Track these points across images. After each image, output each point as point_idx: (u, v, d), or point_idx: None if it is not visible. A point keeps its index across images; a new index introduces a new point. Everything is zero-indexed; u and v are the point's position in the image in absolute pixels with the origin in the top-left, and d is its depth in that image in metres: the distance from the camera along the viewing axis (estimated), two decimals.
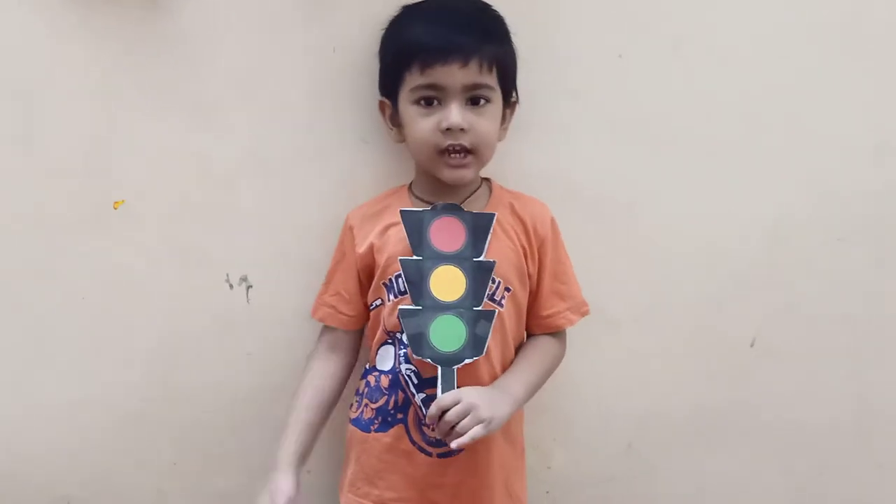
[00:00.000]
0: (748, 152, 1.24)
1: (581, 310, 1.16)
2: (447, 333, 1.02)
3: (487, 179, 1.15)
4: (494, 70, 1.05)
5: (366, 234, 1.11)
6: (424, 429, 1.08)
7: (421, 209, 1.07)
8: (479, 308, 1.04)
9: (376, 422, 1.10)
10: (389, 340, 1.10)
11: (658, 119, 1.22)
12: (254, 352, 1.22)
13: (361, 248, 1.10)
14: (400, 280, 1.06)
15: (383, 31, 1.10)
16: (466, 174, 1.07)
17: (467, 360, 1.03)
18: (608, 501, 1.31)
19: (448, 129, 1.03)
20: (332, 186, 1.18)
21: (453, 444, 0.97)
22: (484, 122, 1.05)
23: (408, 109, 1.06)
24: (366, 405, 1.12)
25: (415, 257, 1.04)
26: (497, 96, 1.07)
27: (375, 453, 1.10)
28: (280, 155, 1.17)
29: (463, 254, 1.05)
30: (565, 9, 1.17)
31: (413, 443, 1.08)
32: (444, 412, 0.97)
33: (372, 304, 1.12)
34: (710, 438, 1.31)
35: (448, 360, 1.02)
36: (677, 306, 1.27)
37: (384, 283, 1.08)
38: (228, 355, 1.22)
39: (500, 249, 1.08)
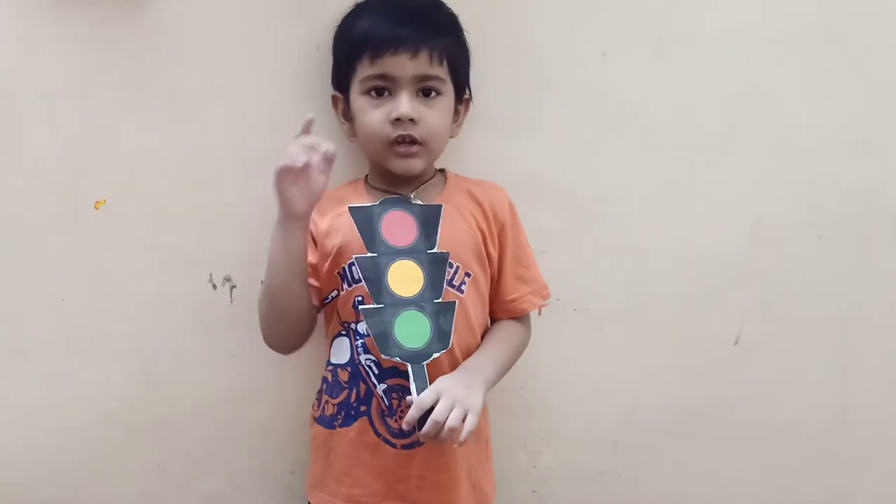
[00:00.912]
0: (730, 151, 1.25)
1: (543, 293, 1.16)
2: (412, 329, 1.01)
3: (442, 170, 1.15)
4: (445, 63, 1.06)
5: (319, 219, 1.09)
6: (388, 420, 1.07)
7: (369, 205, 1.05)
8: (440, 300, 1.03)
9: (339, 417, 1.09)
10: (343, 332, 1.09)
11: (641, 118, 1.23)
12: (237, 353, 1.21)
13: (317, 230, 1.09)
14: (354, 268, 1.05)
15: (336, 27, 1.10)
16: (415, 164, 1.06)
17: (435, 355, 1.02)
18: (594, 499, 1.32)
19: (397, 120, 1.03)
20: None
21: (459, 439, 0.95)
22: (435, 114, 1.05)
23: (358, 100, 1.06)
24: (326, 401, 1.11)
25: (370, 254, 1.02)
26: (448, 89, 1.07)
27: (341, 449, 1.09)
28: (262, 154, 1.14)
29: (416, 247, 1.04)
30: (550, 8, 1.17)
31: (378, 434, 1.07)
32: (425, 412, 0.96)
33: (327, 297, 1.10)
34: (695, 436, 1.32)
35: (417, 357, 1.01)
36: (661, 305, 1.28)
37: (338, 273, 1.07)
38: (212, 356, 1.21)
39: (457, 234, 1.07)
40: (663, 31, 1.20)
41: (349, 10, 1.10)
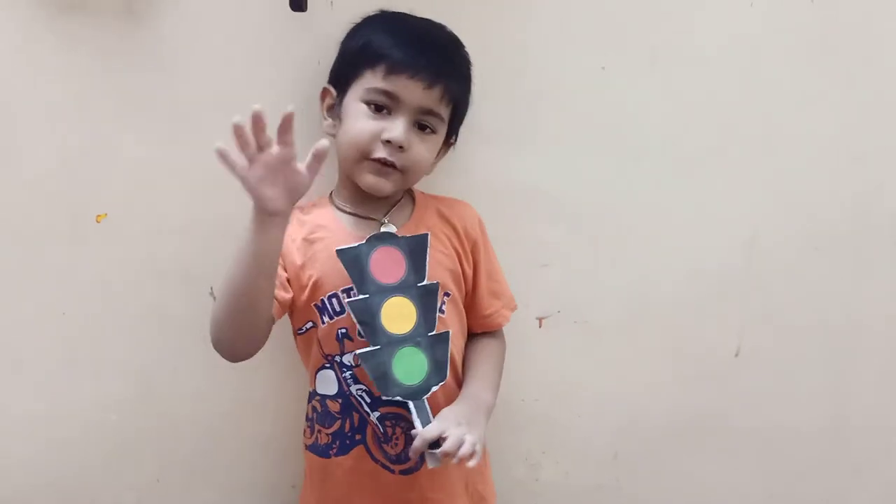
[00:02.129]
0: (728, 163, 1.26)
1: (511, 305, 1.16)
2: (409, 366, 1.00)
3: (409, 189, 1.14)
4: (451, 107, 1.06)
5: (289, 242, 1.02)
6: (385, 446, 1.06)
7: (356, 244, 1.01)
8: (434, 333, 1.03)
9: (334, 446, 1.07)
10: (328, 365, 1.06)
11: (640, 130, 1.23)
12: (237, 366, 1.19)
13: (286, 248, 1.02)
14: (334, 300, 1.03)
15: (356, 23, 1.09)
16: (384, 186, 1.04)
17: (434, 388, 1.02)
18: None
19: (388, 142, 1.01)
20: (315, 197, 1.17)
21: (470, 464, 0.94)
22: (423, 148, 1.04)
23: (355, 105, 1.03)
24: (319, 431, 1.09)
25: (361, 296, 1.00)
26: (442, 130, 1.07)
27: (339, 477, 1.07)
28: None
29: (406, 282, 1.02)
30: (548, 22, 1.18)
31: (375, 461, 1.06)
32: (431, 443, 0.95)
33: (301, 328, 1.07)
34: (696, 447, 1.33)
35: (416, 393, 1.01)
36: (660, 316, 1.28)
37: (315, 305, 1.04)
38: (211, 369, 1.19)
39: (433, 256, 1.05)
40: (661, 45, 1.21)
41: (374, 14, 1.09)
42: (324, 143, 0.89)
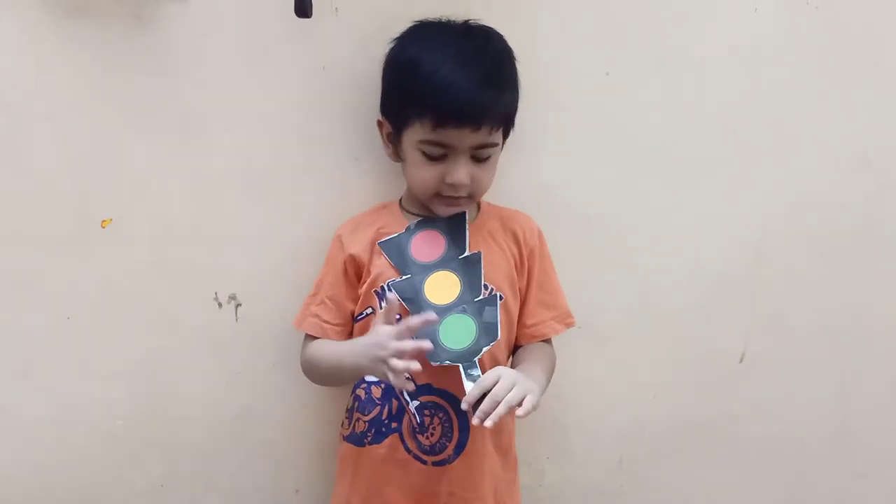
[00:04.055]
0: (734, 167, 1.26)
1: (566, 321, 1.16)
2: (457, 332, 1.03)
3: None
4: (502, 128, 1.07)
5: (355, 240, 1.10)
6: (419, 437, 1.07)
7: (395, 234, 1.09)
8: (481, 298, 1.05)
9: (370, 434, 1.10)
10: None
11: (645, 135, 1.23)
12: (242, 371, 1.21)
13: (350, 250, 1.10)
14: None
15: (392, 48, 1.08)
16: (459, 210, 1.10)
17: (485, 348, 1.03)
18: None
19: (452, 184, 1.04)
20: (322, 204, 1.18)
21: (520, 412, 0.94)
22: (485, 175, 1.07)
23: (412, 152, 1.05)
24: (357, 419, 1.11)
25: (403, 277, 1.05)
26: (499, 148, 1.09)
27: (371, 466, 1.09)
28: (269, 172, 1.17)
29: (447, 256, 1.07)
30: (554, 28, 1.18)
31: (408, 451, 1.08)
32: (484, 394, 0.95)
33: (361, 314, 1.11)
34: (700, 451, 1.32)
35: (466, 355, 1.02)
36: (665, 321, 1.28)
37: (375, 291, 1.08)
38: (217, 374, 1.21)
39: (492, 259, 1.08)
40: (665, 50, 1.21)
41: (410, 35, 1.08)
42: (393, 298, 1.02)
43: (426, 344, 0.97)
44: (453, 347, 1.03)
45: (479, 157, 1.05)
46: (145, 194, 1.15)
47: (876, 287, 1.32)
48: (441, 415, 1.07)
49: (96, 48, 1.11)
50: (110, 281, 1.16)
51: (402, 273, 1.06)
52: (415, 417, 1.07)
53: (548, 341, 1.16)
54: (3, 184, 1.13)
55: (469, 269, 1.06)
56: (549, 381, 1.11)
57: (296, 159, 1.16)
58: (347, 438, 1.13)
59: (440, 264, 1.07)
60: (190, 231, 1.17)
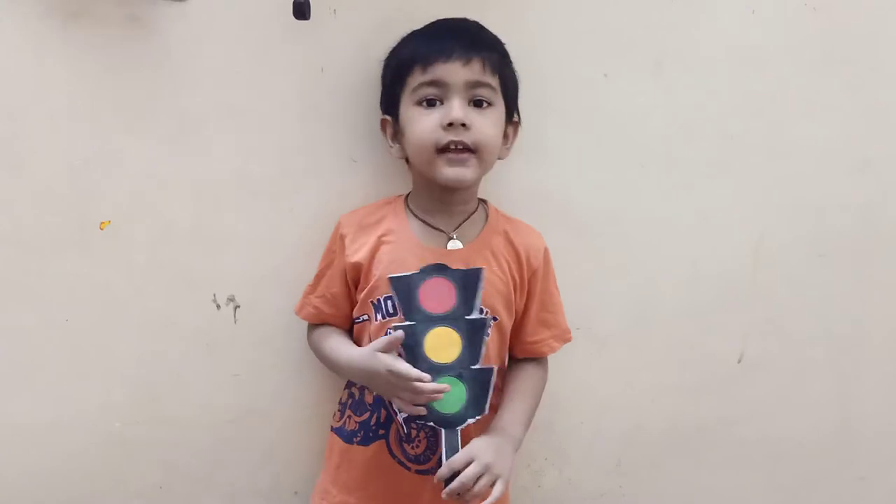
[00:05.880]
0: (732, 170, 1.25)
1: (564, 337, 1.16)
2: (447, 395, 1.00)
3: (484, 201, 1.15)
4: (497, 77, 1.06)
5: (358, 247, 1.09)
6: (405, 445, 1.08)
7: (409, 273, 1.04)
8: (478, 367, 1.03)
9: (359, 435, 1.10)
10: None
11: (643, 137, 1.23)
12: (241, 373, 1.21)
13: (352, 259, 1.09)
14: (389, 302, 1.06)
15: (386, 57, 1.10)
16: (466, 174, 1.04)
17: (470, 421, 1.02)
18: None
19: (450, 125, 1.01)
20: (321, 206, 1.18)
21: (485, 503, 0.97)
22: (487, 122, 1.04)
23: (409, 112, 1.05)
24: (349, 416, 1.12)
25: (407, 323, 1.02)
26: (499, 102, 1.06)
27: (356, 464, 1.10)
28: (267, 174, 1.17)
29: (455, 313, 1.03)
30: (551, 30, 1.18)
31: (393, 456, 1.08)
32: (454, 473, 0.97)
33: (358, 318, 1.11)
34: (699, 454, 1.32)
35: (450, 422, 1.01)
36: (664, 324, 1.28)
37: (372, 303, 1.08)
38: (215, 376, 1.21)
39: (489, 279, 1.06)
40: (664, 52, 1.21)
41: (399, 40, 1.10)
42: (399, 334, 1.00)
43: (444, 387, 0.99)
44: (440, 410, 1.01)
45: (477, 100, 1.04)
46: (144, 196, 1.15)
47: (874, 290, 1.32)
48: (427, 429, 1.07)
49: (95, 50, 1.11)
50: (109, 283, 1.17)
51: (405, 316, 1.03)
52: (402, 427, 1.08)
53: (542, 359, 1.17)
54: (1, 186, 1.13)
55: (473, 332, 1.02)
56: (534, 411, 1.13)
57: (294, 161, 1.17)
58: (336, 430, 1.14)
59: (446, 319, 1.02)
60: (188, 233, 1.17)
